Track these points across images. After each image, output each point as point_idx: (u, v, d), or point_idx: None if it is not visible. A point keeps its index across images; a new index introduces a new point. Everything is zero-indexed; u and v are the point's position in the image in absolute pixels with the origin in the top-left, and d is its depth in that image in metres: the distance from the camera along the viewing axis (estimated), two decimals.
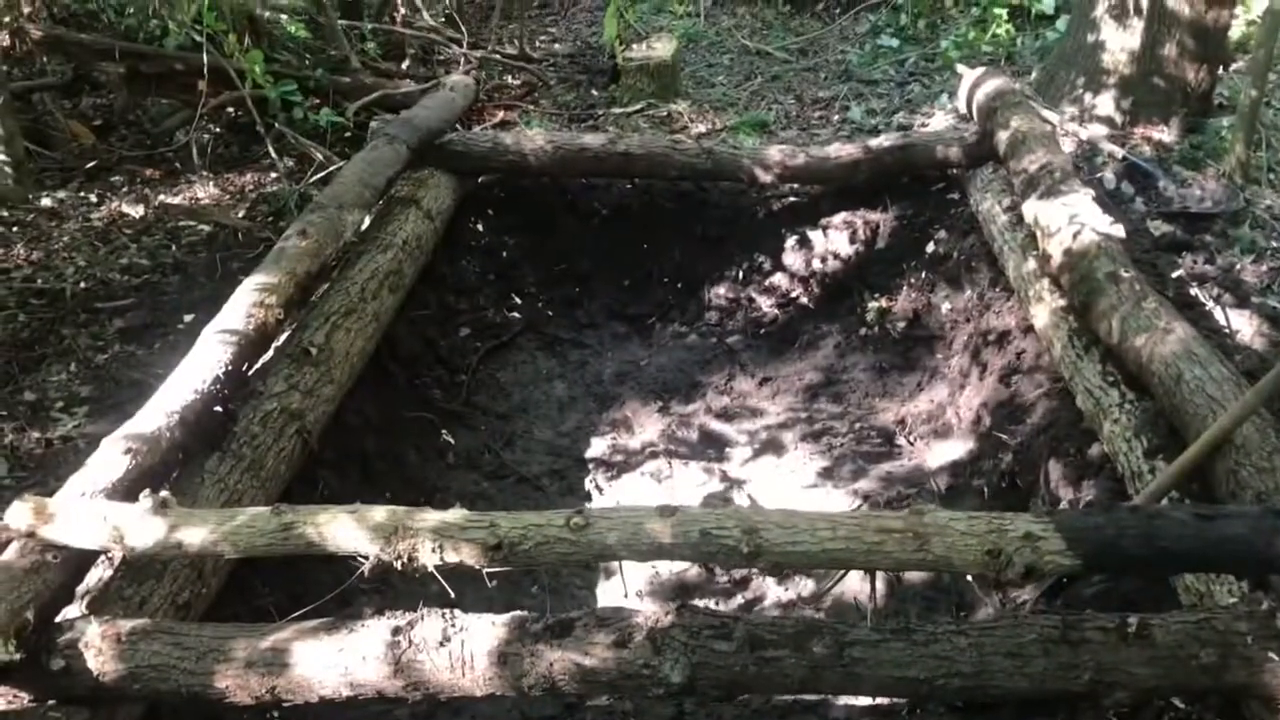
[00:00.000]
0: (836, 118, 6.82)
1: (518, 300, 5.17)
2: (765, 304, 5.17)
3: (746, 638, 2.28)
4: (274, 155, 5.96)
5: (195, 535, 2.35)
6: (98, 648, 2.34)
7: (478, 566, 2.33)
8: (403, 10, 7.85)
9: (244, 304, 3.48)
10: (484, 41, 8.07)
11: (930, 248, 5.02)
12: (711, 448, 4.41)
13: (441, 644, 2.32)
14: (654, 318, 5.22)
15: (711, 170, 5.11)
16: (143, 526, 2.37)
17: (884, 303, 4.98)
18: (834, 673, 2.27)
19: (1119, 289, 3.46)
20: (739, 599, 3.66)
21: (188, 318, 4.72)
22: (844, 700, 3.25)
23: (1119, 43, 5.70)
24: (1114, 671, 2.24)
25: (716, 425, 4.53)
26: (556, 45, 8.73)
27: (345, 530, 2.33)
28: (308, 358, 3.62)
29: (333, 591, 2.59)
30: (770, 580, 3.70)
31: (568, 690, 2.33)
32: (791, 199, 5.29)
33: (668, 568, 3.73)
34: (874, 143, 5.12)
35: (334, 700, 2.38)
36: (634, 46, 7.10)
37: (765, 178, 5.05)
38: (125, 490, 2.65)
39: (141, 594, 2.65)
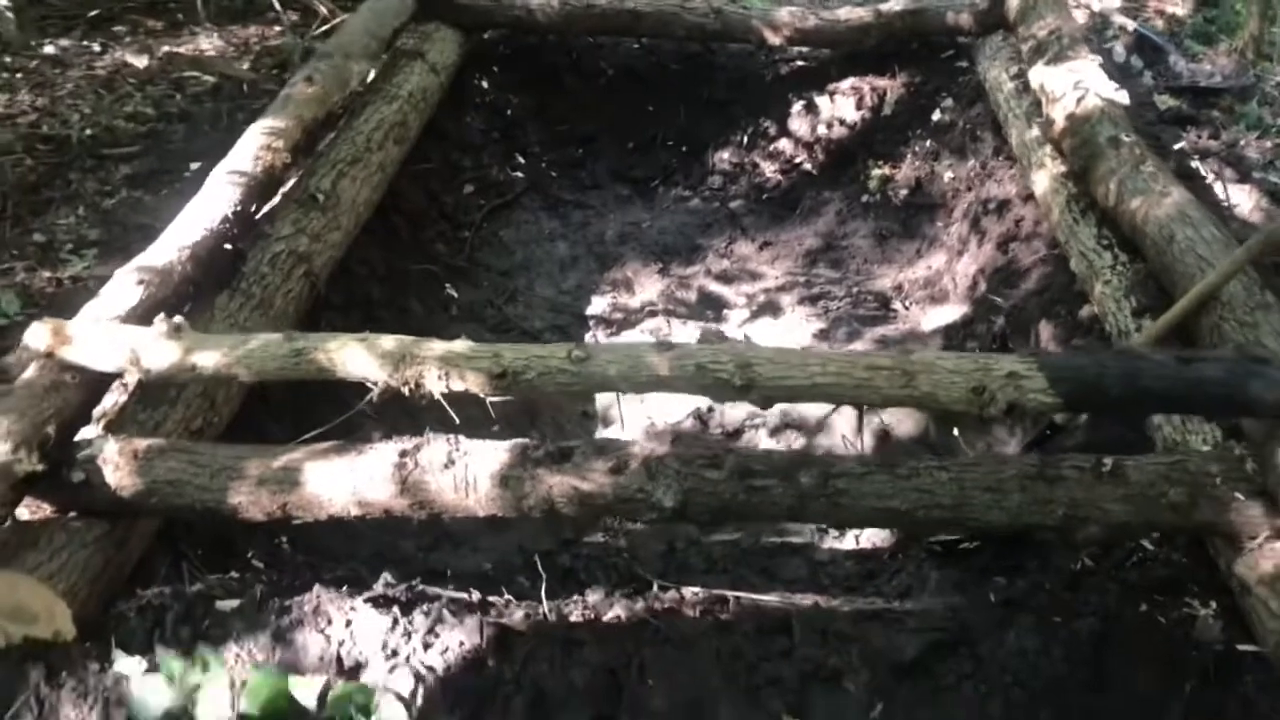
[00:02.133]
0: None
1: (521, 160, 5.19)
2: (769, 169, 5.19)
3: (736, 467, 2.38)
4: (278, 8, 5.91)
5: (209, 358, 2.44)
6: (115, 463, 2.44)
7: (482, 395, 2.42)
8: None
9: (252, 146, 3.52)
10: None
11: (936, 116, 5.01)
12: (710, 308, 4.49)
13: (446, 466, 2.42)
14: (657, 181, 5.24)
15: (720, 31, 5.08)
16: (158, 349, 2.45)
17: (887, 170, 5.00)
18: (819, 502, 2.37)
19: (1119, 153, 3.49)
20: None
21: (194, 165, 4.73)
22: (829, 545, 3.40)
23: None
24: (1087, 507, 2.34)
25: (715, 287, 4.60)
26: None
27: (355, 357, 2.41)
28: (315, 204, 3.67)
29: (341, 418, 2.68)
30: (763, 433, 3.81)
31: (565, 513, 2.43)
32: (799, 63, 5.27)
33: (663, 419, 3.84)
34: (885, 7, 5.08)
35: (342, 518, 2.49)
36: None
37: (774, 39, 5.02)
38: (139, 319, 2.73)
39: (156, 418, 2.75)
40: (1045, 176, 3.93)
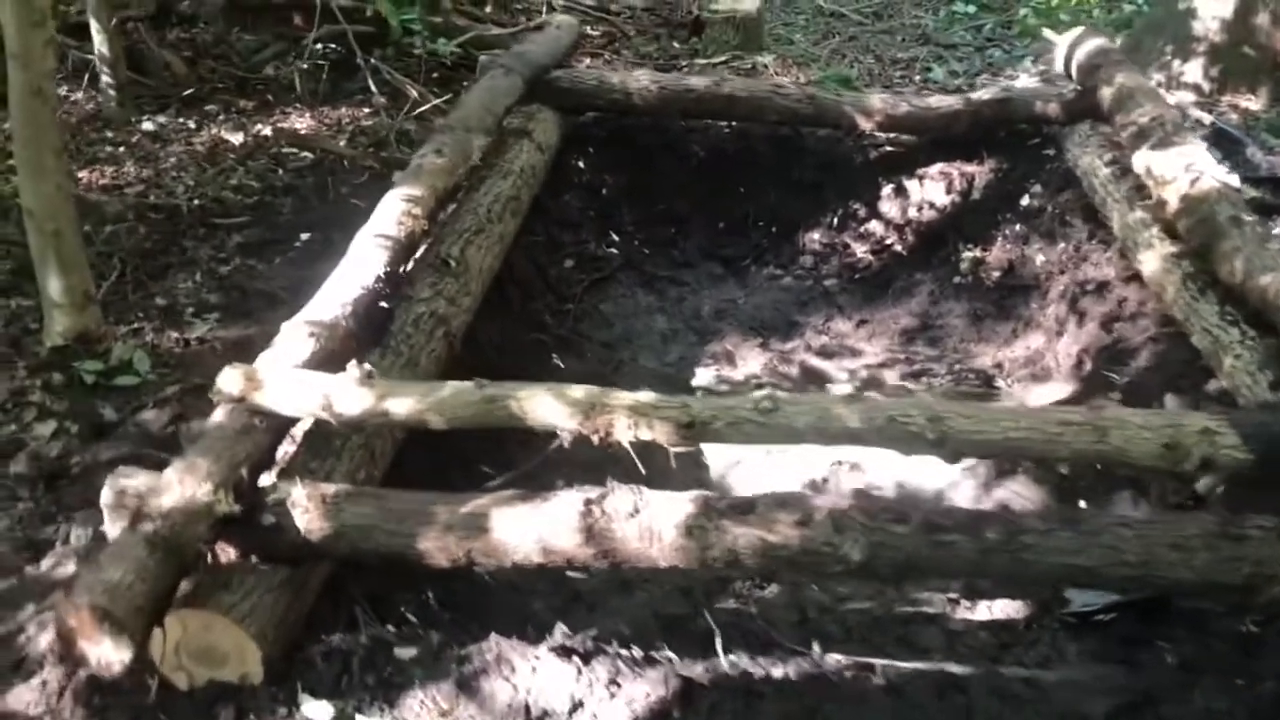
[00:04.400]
0: (918, 78, 6.94)
1: (615, 237, 5.29)
2: (860, 250, 5.28)
3: (922, 522, 2.40)
4: (374, 89, 6.09)
5: (402, 404, 2.49)
6: (305, 507, 2.47)
7: (667, 445, 2.46)
8: None
9: (394, 213, 3.61)
10: None
11: (1025, 201, 5.11)
12: (813, 383, 4.53)
13: (632, 515, 2.45)
14: (749, 260, 5.34)
15: (813, 116, 5.21)
16: (351, 395, 2.50)
17: (978, 252, 5.08)
18: (1003, 557, 2.39)
19: (1242, 231, 3.57)
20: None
21: (304, 236, 4.87)
22: (962, 614, 3.39)
23: (1210, 10, 5.81)
24: (1272, 565, 2.36)
25: (816, 361, 4.65)
26: None
27: (545, 405, 2.46)
28: (448, 269, 3.75)
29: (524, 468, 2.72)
30: None
31: (749, 565, 2.46)
32: (888, 148, 5.38)
33: (778, 488, 3.86)
34: (974, 95, 5.23)
35: (523, 566, 2.52)
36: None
37: (866, 125, 5.15)
38: (312, 369, 2.79)
39: (325, 469, 2.78)
40: (1155, 257, 4.00)
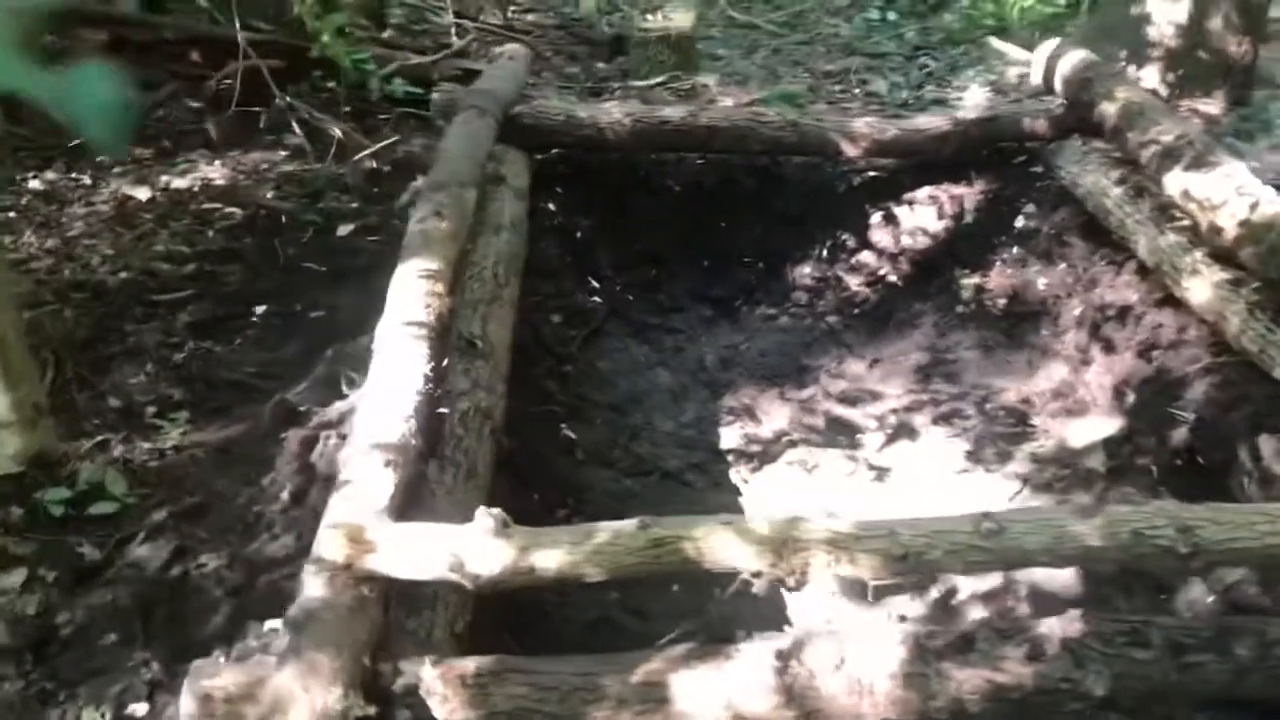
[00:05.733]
0: (857, 90, 6.69)
1: (595, 284, 4.88)
2: (854, 283, 5.00)
3: (1165, 644, 2.11)
4: (299, 133, 5.51)
5: (550, 558, 2.05)
6: (442, 694, 2.02)
7: (872, 579, 2.10)
8: None
9: (416, 293, 3.12)
10: (468, 13, 7.67)
11: (1019, 222, 4.91)
12: (842, 434, 4.23)
13: (837, 668, 2.08)
14: (739, 299, 5.00)
15: (797, 144, 4.91)
16: (487, 551, 2.05)
17: (978, 279, 4.86)
18: (1259, 675, 2.12)
19: None
20: (933, 593, 3.49)
21: (259, 309, 4.28)
22: None
23: (1166, 15, 5.72)
24: None
25: (841, 410, 4.35)
26: (529, 16, 8.39)
27: (727, 545, 2.06)
28: (474, 350, 3.30)
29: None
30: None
31: (974, 712, 2.11)
32: (871, 174, 5.12)
33: None
34: (961, 115, 5.01)
35: None
36: (649, 16, 6.80)
37: (852, 151, 4.88)
38: (399, 510, 2.32)
39: (424, 626, 2.32)
40: (1204, 284, 3.82)
